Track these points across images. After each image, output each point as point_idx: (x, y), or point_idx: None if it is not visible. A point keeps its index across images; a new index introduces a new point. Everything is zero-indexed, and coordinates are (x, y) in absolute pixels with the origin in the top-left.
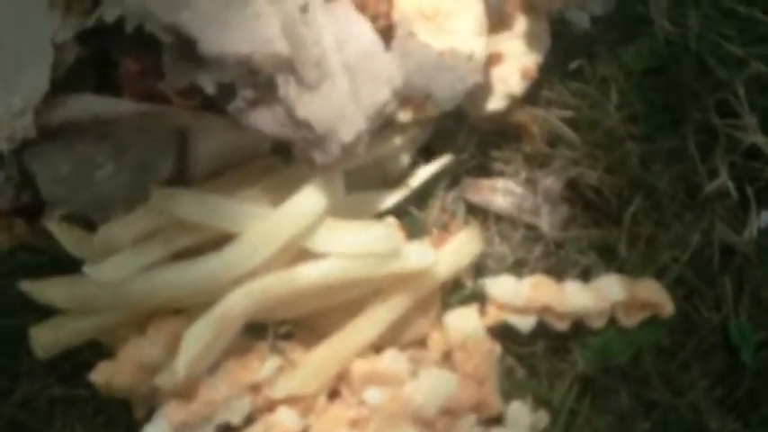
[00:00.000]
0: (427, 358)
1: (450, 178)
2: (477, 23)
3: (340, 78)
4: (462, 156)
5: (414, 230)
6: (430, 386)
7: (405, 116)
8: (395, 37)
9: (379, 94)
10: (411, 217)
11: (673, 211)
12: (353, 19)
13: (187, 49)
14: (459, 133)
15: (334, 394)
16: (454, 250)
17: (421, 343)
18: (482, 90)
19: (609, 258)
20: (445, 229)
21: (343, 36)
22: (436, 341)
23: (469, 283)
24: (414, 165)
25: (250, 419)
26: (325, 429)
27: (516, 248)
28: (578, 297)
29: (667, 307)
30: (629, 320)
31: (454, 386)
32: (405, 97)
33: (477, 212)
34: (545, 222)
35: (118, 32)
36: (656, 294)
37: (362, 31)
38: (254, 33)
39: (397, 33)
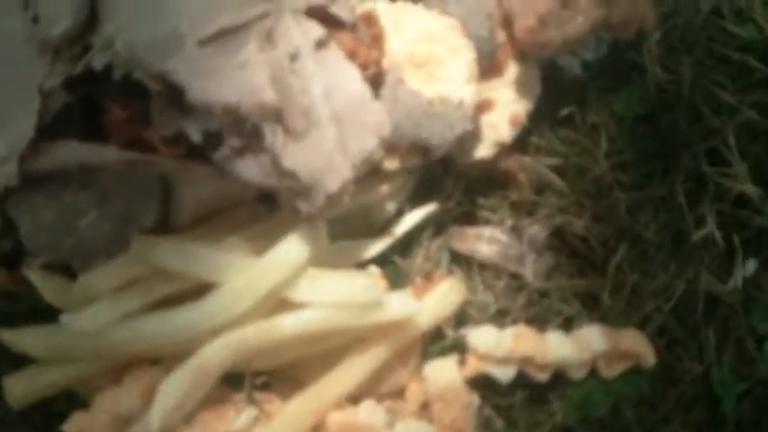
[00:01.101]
0: (405, 410)
1: (436, 226)
2: (468, 71)
3: (327, 128)
4: (448, 204)
5: (397, 279)
6: None
7: (392, 164)
8: (384, 84)
9: (366, 142)
10: (394, 266)
11: (658, 260)
12: (343, 67)
13: (175, 96)
14: (446, 181)
15: None
16: (436, 300)
17: (399, 394)
18: (471, 137)
19: (592, 307)
20: (428, 277)
21: (331, 84)
22: (414, 392)
23: (450, 333)
24: (399, 213)
25: None
26: None
27: (500, 297)
28: (560, 348)
29: (649, 357)
30: (610, 371)
31: None
32: (392, 145)
33: (462, 261)
34: (529, 271)
35: (106, 79)
36: (637, 344)
37: (352, 80)
38: (242, 82)
39: (387, 80)
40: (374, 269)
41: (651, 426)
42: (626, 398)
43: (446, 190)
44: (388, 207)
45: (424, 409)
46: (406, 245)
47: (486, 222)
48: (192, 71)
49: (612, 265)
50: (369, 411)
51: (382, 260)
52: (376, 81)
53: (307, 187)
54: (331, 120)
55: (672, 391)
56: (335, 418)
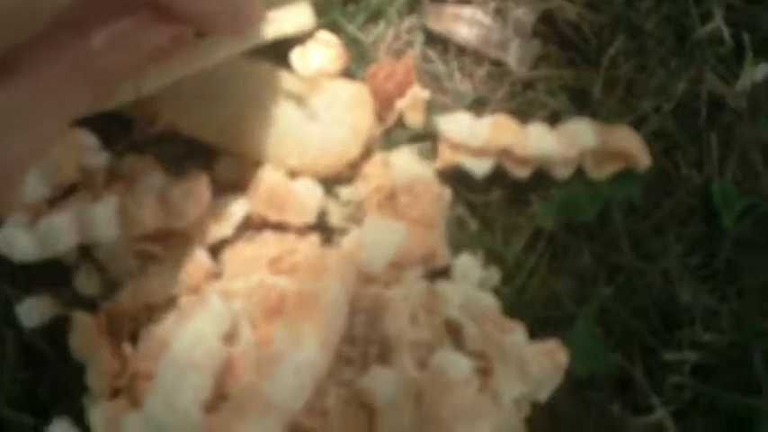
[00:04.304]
0: (369, 202)
1: (409, 2)
2: None
3: None
4: None
5: (361, 58)
6: (375, 238)
7: None
8: None
9: None
10: (358, 43)
11: (658, 56)
12: None
13: None
14: None
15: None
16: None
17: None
18: None
19: (582, 103)
20: (399, 58)
21: None
22: (372, 176)
23: (421, 121)
24: None
25: None
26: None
27: (478, 86)
28: (543, 141)
29: (643, 159)
30: (599, 172)
31: (402, 236)
32: None
33: (438, 43)
34: (513, 58)
35: None
36: (631, 144)
37: None
38: None
39: None
40: (328, 36)
41: (641, 236)
42: (615, 203)
43: None
44: None
45: (390, 201)
46: (373, 21)
47: (467, 1)
48: None
49: (607, 57)
50: (306, 186)
51: (347, 38)
52: None
53: None
54: None
55: (667, 201)
56: (268, 177)
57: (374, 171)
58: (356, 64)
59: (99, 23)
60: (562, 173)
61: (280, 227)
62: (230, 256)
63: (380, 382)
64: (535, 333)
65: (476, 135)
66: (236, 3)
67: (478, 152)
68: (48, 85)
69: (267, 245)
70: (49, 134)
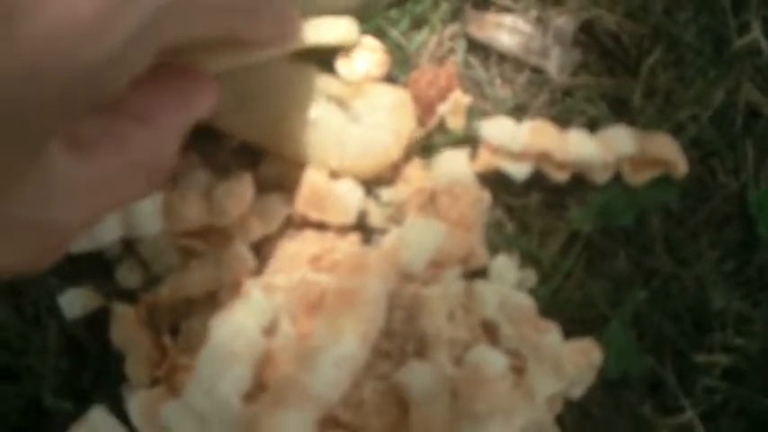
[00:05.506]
0: (410, 203)
1: (451, 10)
2: None
3: None
4: None
5: (403, 64)
6: (416, 237)
7: None
8: None
9: None
10: (402, 49)
11: (696, 66)
12: None
13: None
14: None
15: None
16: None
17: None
18: None
19: (621, 111)
20: (441, 64)
21: None
22: (412, 178)
23: (461, 126)
24: None
25: None
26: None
27: (519, 93)
28: (582, 146)
29: (680, 165)
30: (637, 178)
31: (443, 236)
32: None
33: (479, 50)
34: (553, 66)
35: None
36: (668, 150)
37: None
38: None
39: None
40: (373, 42)
41: (677, 242)
42: (652, 209)
43: None
44: None
45: (430, 203)
46: (416, 28)
47: (508, 10)
48: None
49: (646, 67)
50: (347, 187)
51: (391, 43)
52: None
53: None
54: None
55: (703, 207)
56: (310, 177)
57: (415, 173)
58: (399, 69)
59: (158, 106)
60: (600, 178)
61: (320, 226)
62: (272, 253)
63: (416, 376)
64: (569, 334)
65: (516, 139)
66: (285, 25)
67: (518, 156)
68: (111, 172)
69: (308, 243)
70: (100, 212)
